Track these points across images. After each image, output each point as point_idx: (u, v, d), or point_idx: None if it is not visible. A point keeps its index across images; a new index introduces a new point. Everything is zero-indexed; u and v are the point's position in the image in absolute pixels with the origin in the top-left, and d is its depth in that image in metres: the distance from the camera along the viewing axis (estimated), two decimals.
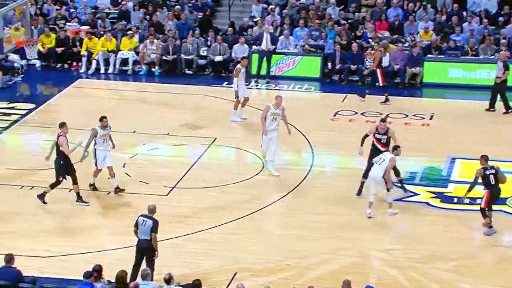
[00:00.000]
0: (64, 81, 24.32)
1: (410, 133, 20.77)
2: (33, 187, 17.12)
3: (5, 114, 21.54)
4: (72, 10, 27.55)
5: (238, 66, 21.53)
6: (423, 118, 21.89)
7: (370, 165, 16.60)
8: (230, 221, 16.09)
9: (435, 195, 17.36)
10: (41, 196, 16.36)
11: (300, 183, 17.83)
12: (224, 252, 15.00)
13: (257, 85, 24.71)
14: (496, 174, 15.66)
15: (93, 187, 17.13)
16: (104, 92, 24.17)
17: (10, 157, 18.20)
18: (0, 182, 17.33)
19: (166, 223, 15.92)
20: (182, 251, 15.01)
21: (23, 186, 17.15)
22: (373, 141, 17.11)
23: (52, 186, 16.39)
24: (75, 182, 16.38)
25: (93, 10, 27.77)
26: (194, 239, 15.43)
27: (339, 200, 17.09)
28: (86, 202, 16.49)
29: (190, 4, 27.63)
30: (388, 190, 16.29)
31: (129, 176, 18.02)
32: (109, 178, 17.06)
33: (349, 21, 26.73)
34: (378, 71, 22.85)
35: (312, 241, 15.47)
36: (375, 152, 16.80)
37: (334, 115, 22.07)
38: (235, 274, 14.20)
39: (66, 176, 16.37)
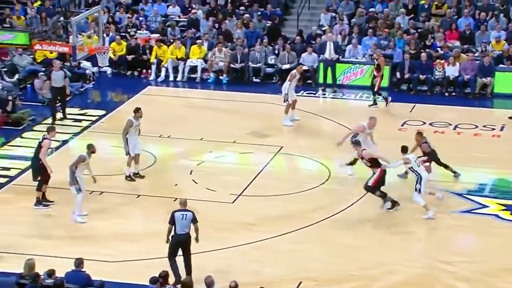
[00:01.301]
0: (134, 88, 24.71)
1: (480, 144, 20.48)
2: (102, 192, 17.45)
3: (76, 120, 22.01)
4: (142, 18, 27.99)
5: (294, 71, 21.88)
6: (493, 129, 21.53)
7: None
8: (295, 230, 16.11)
9: (505, 208, 17.06)
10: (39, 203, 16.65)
11: (366, 193, 17.73)
12: (288, 261, 15.02)
13: (324, 94, 24.71)
14: None
15: (131, 178, 17.73)
16: (172, 99, 24.48)
17: None
18: (68, 187, 17.59)
19: (232, 231, 16.08)
20: (248, 259, 15.09)
21: (92, 192, 17.49)
22: None
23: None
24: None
25: (163, 19, 28.18)
26: (259, 247, 15.49)
27: (404, 210, 16.92)
28: (47, 205, 16.75)
29: (259, 13, 27.80)
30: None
31: (196, 183, 18.20)
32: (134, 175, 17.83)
33: (419, 30, 26.50)
34: (379, 78, 22.94)
35: (376, 251, 15.38)
36: None
37: (402, 125, 21.90)
38: (299, 284, 14.20)
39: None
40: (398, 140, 20.66)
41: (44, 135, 16.95)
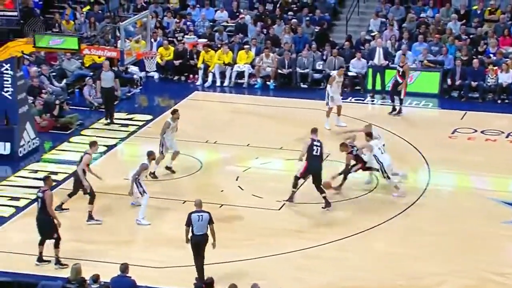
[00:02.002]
0: (181, 93, 24.90)
1: None
2: (150, 197, 17.58)
3: (123, 125, 22.25)
4: (189, 23, 28.19)
5: (334, 74, 22.00)
6: None
7: None
8: (341, 238, 16.06)
9: None
10: (90, 217, 16.62)
11: (415, 201, 17.61)
12: (334, 269, 14.98)
13: (372, 101, 24.60)
14: None
15: (153, 175, 18.10)
16: (219, 104, 24.60)
17: (127, 168, 18.75)
18: (117, 192, 17.87)
19: (277, 237, 16.09)
20: (293, 266, 15.08)
21: (139, 197, 17.61)
22: None
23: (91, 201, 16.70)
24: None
25: (211, 24, 28.35)
26: (304, 255, 15.48)
27: (454, 220, 16.79)
28: (99, 220, 16.68)
29: (307, 18, 27.81)
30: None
31: (242, 189, 18.26)
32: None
33: (471, 36, 26.24)
34: (404, 85, 22.64)
35: (425, 261, 15.25)
36: None
37: (453, 133, 21.69)
38: None
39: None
40: (448, 148, 20.59)
41: (86, 150, 17.12)
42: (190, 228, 14.10)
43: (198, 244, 14.09)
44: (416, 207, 17.44)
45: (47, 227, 14.78)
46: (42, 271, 14.76)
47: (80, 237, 15.90)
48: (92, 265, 14.43)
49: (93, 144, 17.17)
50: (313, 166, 17.21)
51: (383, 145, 17.96)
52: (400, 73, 22.72)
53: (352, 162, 17.85)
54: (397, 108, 22.98)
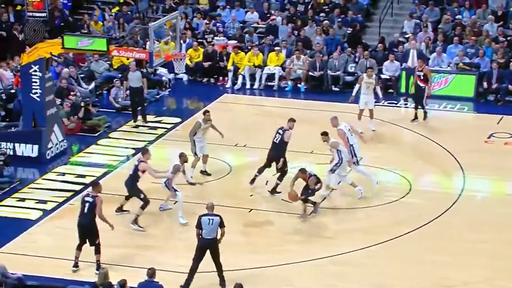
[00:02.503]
0: (210, 95, 24.98)
1: None
2: (176, 201, 17.67)
3: (151, 127, 22.38)
4: (219, 24, 28.28)
5: (363, 74, 21.91)
6: None
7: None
8: (374, 244, 16.02)
9: None
10: (135, 221, 16.68)
11: (449, 208, 17.51)
12: (366, 277, 14.94)
13: (405, 104, 24.49)
14: None
15: (191, 183, 17.83)
16: (249, 107, 24.64)
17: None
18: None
19: (308, 243, 16.09)
20: (323, 273, 15.07)
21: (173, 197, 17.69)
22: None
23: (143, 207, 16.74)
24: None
25: (241, 25, 28.41)
26: (336, 261, 15.45)
27: (490, 227, 16.67)
28: (141, 227, 16.72)
29: (339, 19, 27.77)
30: None
31: (271, 194, 18.26)
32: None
33: (508, 38, 26.03)
34: (428, 89, 22.37)
35: (459, 269, 15.17)
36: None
37: (489, 137, 21.53)
38: None
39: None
40: (483, 154, 20.43)
41: (140, 158, 17.13)
42: (200, 231, 14.23)
43: (205, 247, 14.22)
44: (449, 213, 17.34)
45: (92, 233, 14.89)
46: (69, 275, 14.89)
47: (108, 242, 15.98)
48: (119, 270, 14.53)
49: (145, 152, 17.12)
50: (271, 153, 17.85)
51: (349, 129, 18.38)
52: (422, 78, 22.39)
53: (316, 186, 17.35)
54: (419, 115, 22.53)
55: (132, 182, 16.83)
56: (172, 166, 16.85)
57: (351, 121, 21.84)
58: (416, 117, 22.61)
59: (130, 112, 22.92)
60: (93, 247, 14.99)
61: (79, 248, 15.02)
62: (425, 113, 22.69)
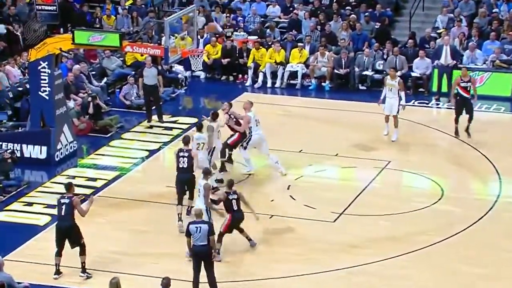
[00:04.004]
0: (229, 94, 24.91)
1: None
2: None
3: (166, 128, 22.45)
4: (240, 18, 28.32)
5: (387, 76, 21.71)
6: None
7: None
8: (402, 254, 15.98)
9: None
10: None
11: (484, 215, 17.44)
12: None
13: (437, 104, 24.42)
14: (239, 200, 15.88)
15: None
16: (270, 107, 24.61)
17: (170, 174, 18.90)
18: (158, 200, 18.04)
19: (331, 252, 16.07)
20: (347, 285, 15.05)
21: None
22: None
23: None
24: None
25: (262, 19, 28.45)
26: (361, 272, 15.42)
27: None
28: None
29: (366, 13, 27.73)
30: None
31: (293, 199, 18.29)
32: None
33: None
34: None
35: (495, 280, 15.12)
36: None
37: None
38: None
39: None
40: None
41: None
42: (191, 238, 14.33)
43: (198, 255, 14.30)
44: (485, 221, 17.27)
45: (74, 234, 15.07)
46: (78, 284, 14.97)
47: (119, 248, 16.06)
48: (131, 279, 14.59)
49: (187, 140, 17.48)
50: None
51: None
52: (468, 89, 21.25)
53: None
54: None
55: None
56: (202, 190, 16.15)
57: (380, 122, 21.82)
58: (468, 133, 21.26)
59: (144, 111, 23.01)
60: (77, 249, 15.09)
61: (59, 254, 15.13)
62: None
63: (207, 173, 16.29)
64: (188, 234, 14.39)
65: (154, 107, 22.85)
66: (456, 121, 21.34)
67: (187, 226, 14.49)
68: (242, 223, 16.01)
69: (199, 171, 16.77)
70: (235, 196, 15.97)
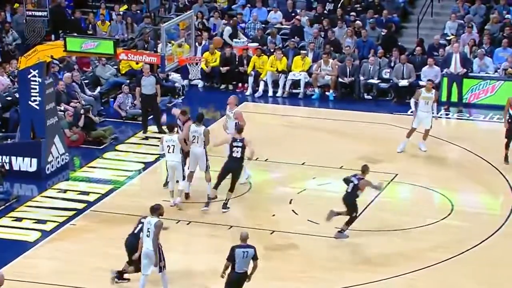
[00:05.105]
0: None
1: None
2: (189, 222, 17.66)
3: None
4: (242, 25, 28.31)
5: (421, 89, 21.46)
6: None
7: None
8: (411, 272, 15.93)
9: None
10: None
11: (496, 231, 17.40)
12: None
13: (447, 114, 24.40)
14: None
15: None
16: (271, 117, 24.66)
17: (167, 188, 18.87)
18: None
19: (337, 270, 16.03)
20: None
21: (179, 221, 17.71)
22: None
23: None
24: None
25: (263, 25, 28.46)
26: None
27: None
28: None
29: (371, 20, 27.75)
30: None
31: (296, 214, 18.25)
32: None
33: None
34: None
35: None
36: None
37: None
38: None
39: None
40: None
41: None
42: (231, 264, 13.92)
43: (236, 283, 13.97)
44: (498, 237, 17.24)
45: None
46: None
47: (109, 266, 16.02)
48: None
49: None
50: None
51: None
52: None
53: None
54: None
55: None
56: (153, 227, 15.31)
57: (386, 133, 21.76)
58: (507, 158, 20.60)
59: (140, 122, 22.99)
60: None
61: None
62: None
63: (156, 209, 15.04)
64: (232, 259, 13.84)
65: (150, 117, 22.82)
66: (507, 146, 20.67)
67: (231, 249, 13.95)
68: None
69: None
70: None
